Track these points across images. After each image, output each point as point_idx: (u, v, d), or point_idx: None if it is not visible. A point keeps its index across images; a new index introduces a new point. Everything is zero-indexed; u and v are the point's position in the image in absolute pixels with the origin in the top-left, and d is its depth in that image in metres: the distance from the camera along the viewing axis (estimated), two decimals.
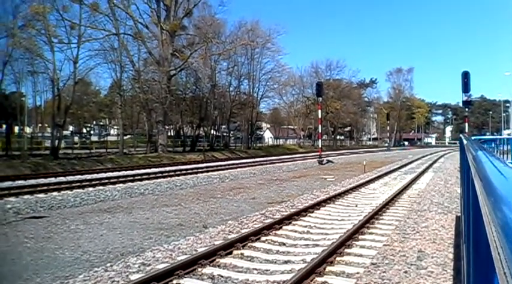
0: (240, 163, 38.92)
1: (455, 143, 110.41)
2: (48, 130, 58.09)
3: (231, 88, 71.91)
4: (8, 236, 11.47)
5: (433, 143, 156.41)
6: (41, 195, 18.20)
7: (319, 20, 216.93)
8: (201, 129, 65.63)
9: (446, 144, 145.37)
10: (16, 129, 60.48)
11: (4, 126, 56.84)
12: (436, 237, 10.62)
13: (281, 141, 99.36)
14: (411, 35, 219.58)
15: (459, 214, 11.67)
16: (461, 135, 12.29)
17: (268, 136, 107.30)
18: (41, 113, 72.52)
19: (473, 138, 14.99)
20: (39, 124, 73.14)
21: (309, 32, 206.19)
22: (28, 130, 65.22)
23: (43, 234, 11.71)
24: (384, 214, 13.92)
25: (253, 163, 39.17)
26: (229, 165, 37.22)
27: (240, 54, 69.99)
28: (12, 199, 17.08)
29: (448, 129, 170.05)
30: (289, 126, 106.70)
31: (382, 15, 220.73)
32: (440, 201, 16.60)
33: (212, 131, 68.47)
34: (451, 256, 8.94)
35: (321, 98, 50.60)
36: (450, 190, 19.83)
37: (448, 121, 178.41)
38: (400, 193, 18.69)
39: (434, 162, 43.26)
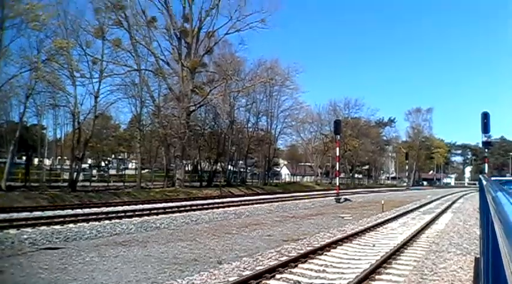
0: (257, 200, 38.84)
1: (474, 184, 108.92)
2: (67, 162, 58.55)
3: (249, 125, 72.48)
4: (23, 267, 11.48)
5: (452, 183, 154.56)
6: (57, 227, 18.28)
7: (338, 59, 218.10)
8: (219, 164, 65.72)
9: (466, 184, 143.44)
10: (36, 160, 61.09)
11: (24, 158, 57.54)
12: (454, 279, 10.42)
13: (298, 178, 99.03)
14: (431, 75, 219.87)
15: (478, 256, 11.45)
16: (480, 176, 12.16)
17: (285, 172, 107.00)
18: (61, 146, 73.32)
19: (492, 179, 14.80)
20: (59, 157, 73.84)
21: (328, 70, 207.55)
22: (47, 162, 65.84)
23: (58, 265, 11.70)
24: (401, 254, 13.71)
25: (269, 200, 39.03)
26: (245, 200, 37.14)
27: (259, 92, 70.63)
28: (28, 229, 17.18)
29: (468, 170, 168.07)
30: (307, 163, 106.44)
31: (402, 55, 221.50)
32: (459, 242, 16.32)
33: (229, 167, 68.53)
34: None
35: (339, 136, 50.56)
36: (469, 231, 19.51)
37: (467, 161, 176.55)
38: (419, 233, 18.44)
39: (453, 202, 42.73)
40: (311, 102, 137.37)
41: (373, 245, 15.69)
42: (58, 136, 73.09)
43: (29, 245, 14.73)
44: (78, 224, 19.42)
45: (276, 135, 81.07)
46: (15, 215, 21.62)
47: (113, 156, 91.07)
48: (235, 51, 59.38)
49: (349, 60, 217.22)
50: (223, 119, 59.09)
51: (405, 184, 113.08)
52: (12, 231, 16.61)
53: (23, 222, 18.76)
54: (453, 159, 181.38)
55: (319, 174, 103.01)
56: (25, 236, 15.65)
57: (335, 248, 14.77)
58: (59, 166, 60.88)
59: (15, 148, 39.70)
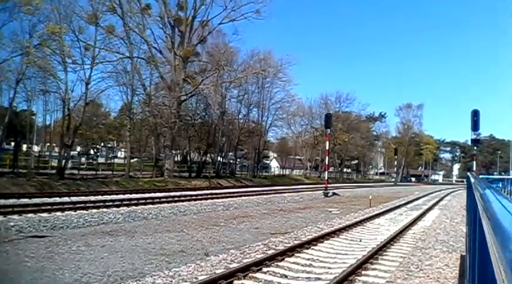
0: (245, 192, 38.82)
1: (462, 181, 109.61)
2: (56, 149, 58.26)
3: (240, 116, 72.27)
4: (9, 255, 11.43)
5: (440, 180, 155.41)
6: (45, 215, 18.19)
7: (330, 52, 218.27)
8: (208, 155, 65.64)
9: (454, 181, 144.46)
10: (24, 146, 60.72)
11: (12, 143, 57.16)
12: (440, 276, 10.48)
13: (287, 171, 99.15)
14: (422, 71, 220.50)
15: (464, 253, 11.53)
16: (468, 174, 12.23)
17: (274, 165, 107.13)
18: (50, 132, 72.93)
19: (480, 177, 14.89)
20: (48, 143, 73.45)
21: (320, 63, 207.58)
22: (36, 148, 65.45)
23: (44, 254, 11.66)
24: (388, 250, 13.78)
25: (258, 192, 39.07)
26: (234, 192, 37.14)
27: (251, 83, 70.42)
28: (15, 217, 17.08)
29: (456, 167, 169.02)
30: (296, 156, 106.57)
31: (393, 50, 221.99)
32: (445, 239, 16.42)
33: (219, 158, 68.46)
34: None
35: (329, 130, 50.67)
36: (456, 228, 19.63)
37: (456, 158, 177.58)
38: (405, 229, 18.54)
39: (441, 199, 42.96)
40: (302, 95, 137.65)
41: (360, 241, 15.76)
42: (48, 122, 72.78)
43: (15, 232, 14.67)
44: (66, 212, 19.33)
45: (267, 127, 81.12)
46: (2, 201, 21.40)
47: (102, 144, 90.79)
48: (228, 41, 59.22)
49: (342, 54, 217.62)
50: (214, 110, 58.89)
51: (393, 179, 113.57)
52: None
53: (10, 209, 18.64)
54: (442, 155, 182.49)
55: (309, 168, 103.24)
56: (12, 224, 15.57)
57: (322, 242, 14.81)
58: (47, 153, 60.51)
59: (4, 133, 39.43)
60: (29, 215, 17.76)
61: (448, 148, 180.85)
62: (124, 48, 47.25)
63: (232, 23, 53.96)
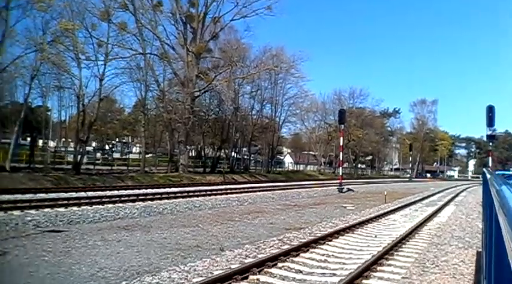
0: (260, 187, 38.88)
1: (478, 177, 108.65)
2: (72, 145, 58.68)
3: (253, 112, 72.24)
4: (27, 249, 11.55)
5: (456, 176, 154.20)
6: (61, 209, 18.37)
7: (343, 48, 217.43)
8: (222, 150, 65.75)
9: (469, 177, 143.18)
10: (40, 142, 61.25)
11: (28, 139, 57.67)
12: (456, 272, 10.42)
13: (301, 167, 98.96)
14: (436, 66, 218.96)
15: (480, 250, 11.45)
16: (484, 169, 12.12)
17: (288, 161, 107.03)
18: (65, 128, 73.48)
19: (496, 173, 14.74)
20: (63, 139, 73.99)
21: (333, 59, 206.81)
22: (52, 144, 65.96)
23: (61, 248, 11.77)
24: (403, 246, 13.71)
25: (272, 188, 39.09)
26: (248, 188, 37.19)
27: (264, 79, 70.30)
28: (32, 211, 17.25)
29: (471, 163, 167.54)
30: (310, 152, 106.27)
31: (407, 45, 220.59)
32: (461, 235, 16.32)
33: (233, 153, 68.54)
34: None
35: (343, 125, 50.48)
36: (471, 224, 19.49)
37: (471, 154, 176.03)
38: (421, 225, 18.43)
39: (456, 195, 42.66)
40: (316, 90, 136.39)
41: (375, 236, 15.70)
42: (63, 118, 73.35)
43: (32, 227, 14.82)
44: (82, 207, 19.50)
45: (280, 123, 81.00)
46: (19, 196, 21.73)
47: (117, 140, 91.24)
48: (240, 37, 59.21)
49: (355, 50, 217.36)
50: (227, 105, 58.90)
51: (408, 175, 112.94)
52: (16, 213, 16.69)
53: (27, 204, 18.84)
54: (457, 151, 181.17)
55: (323, 163, 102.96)
56: (29, 218, 15.73)
57: (337, 238, 14.78)
58: (63, 149, 60.98)
59: (20, 129, 39.79)
60: (46, 210, 17.92)
61: (463, 144, 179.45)
62: (137, 44, 47.60)
63: (244, 20, 53.97)
